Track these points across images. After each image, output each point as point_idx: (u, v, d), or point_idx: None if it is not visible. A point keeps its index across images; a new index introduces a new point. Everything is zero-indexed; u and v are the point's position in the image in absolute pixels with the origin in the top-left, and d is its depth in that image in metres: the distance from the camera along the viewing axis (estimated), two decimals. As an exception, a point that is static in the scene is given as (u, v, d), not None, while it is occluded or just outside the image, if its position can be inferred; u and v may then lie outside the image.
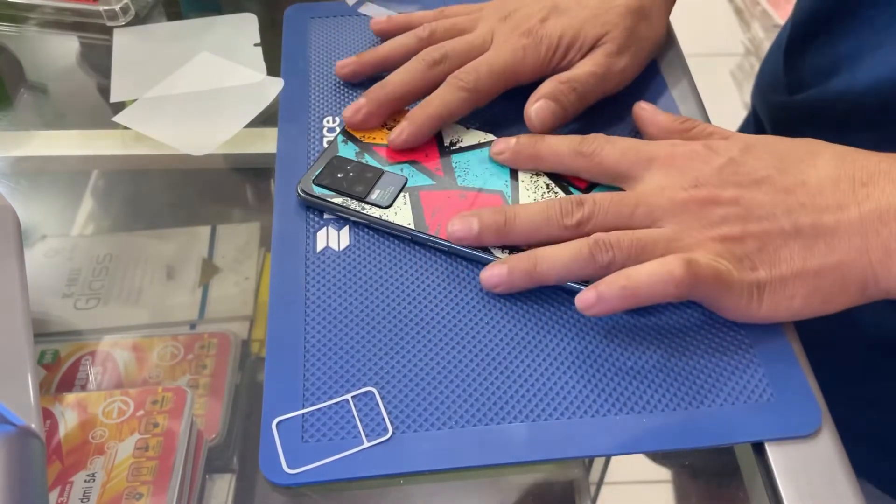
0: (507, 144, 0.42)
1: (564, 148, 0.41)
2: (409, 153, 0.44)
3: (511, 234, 0.38)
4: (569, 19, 0.46)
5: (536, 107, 0.45)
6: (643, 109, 0.44)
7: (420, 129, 0.43)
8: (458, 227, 0.39)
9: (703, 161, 0.38)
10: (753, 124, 0.64)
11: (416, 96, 0.45)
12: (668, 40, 0.53)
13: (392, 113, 0.45)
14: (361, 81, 0.49)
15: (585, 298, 0.35)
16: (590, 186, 0.42)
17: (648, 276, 0.35)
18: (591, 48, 0.46)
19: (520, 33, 0.46)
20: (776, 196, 0.36)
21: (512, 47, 0.45)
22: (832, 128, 0.49)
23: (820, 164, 0.37)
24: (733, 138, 0.40)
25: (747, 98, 1.77)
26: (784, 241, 0.36)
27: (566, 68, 0.46)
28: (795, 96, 0.54)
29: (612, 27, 0.46)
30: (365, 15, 0.54)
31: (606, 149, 0.40)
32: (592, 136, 0.41)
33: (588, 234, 0.37)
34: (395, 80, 0.45)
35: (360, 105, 0.45)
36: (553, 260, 0.37)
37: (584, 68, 0.46)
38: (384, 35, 0.51)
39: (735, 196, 0.37)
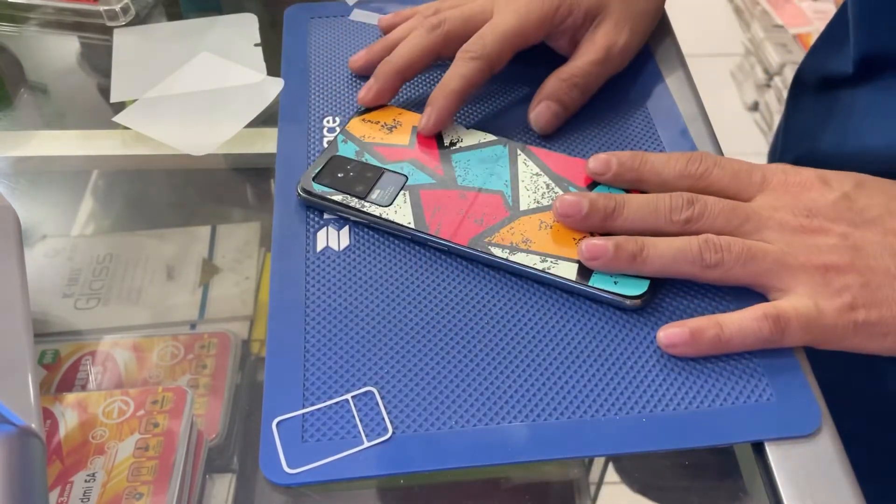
0: (608, 167, 0.41)
1: (669, 171, 0.40)
2: (408, 152, 0.44)
3: (617, 221, 0.38)
4: None
5: (537, 111, 0.46)
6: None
7: (443, 108, 0.44)
8: (566, 205, 0.39)
9: (817, 192, 0.38)
10: None
11: (422, 64, 0.46)
12: (667, 39, 0.53)
13: (400, 84, 0.46)
14: (363, 81, 0.49)
15: (677, 335, 0.36)
16: (591, 185, 0.42)
17: (740, 331, 0.35)
18: (594, 14, 0.46)
19: None
20: (886, 237, 0.36)
21: (514, 9, 0.45)
22: None
23: None
24: (841, 174, 0.39)
25: (747, 98, 1.77)
26: (888, 281, 0.35)
27: (568, 30, 0.47)
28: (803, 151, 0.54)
29: None
30: (357, 21, 0.54)
31: (716, 172, 0.39)
32: (698, 155, 0.40)
33: (693, 232, 0.37)
34: (397, 52, 0.46)
35: (370, 84, 0.46)
36: (661, 249, 0.37)
37: (585, 58, 0.46)
38: (391, 30, 0.51)
39: (845, 232, 0.37)
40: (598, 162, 0.41)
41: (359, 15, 0.54)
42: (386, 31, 0.52)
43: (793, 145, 0.57)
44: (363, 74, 0.49)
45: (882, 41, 0.47)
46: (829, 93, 0.52)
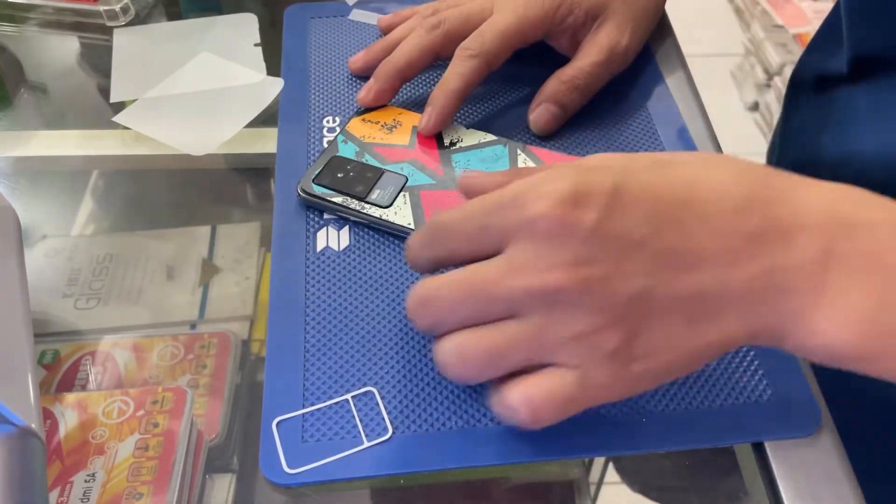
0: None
1: (412, 258, 0.34)
2: (408, 152, 0.44)
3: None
4: None
5: (537, 113, 0.46)
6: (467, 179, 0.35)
7: (444, 108, 0.44)
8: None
9: (566, 226, 0.29)
10: None
11: (421, 63, 0.46)
12: (668, 39, 0.53)
13: (400, 84, 0.46)
14: (363, 81, 0.49)
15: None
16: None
17: (508, 422, 0.32)
18: (595, 13, 0.46)
19: None
20: (653, 265, 0.29)
21: (513, 7, 0.45)
22: None
23: (702, 208, 0.30)
24: (599, 173, 0.31)
25: (747, 98, 1.77)
26: (663, 322, 0.29)
27: (569, 29, 0.46)
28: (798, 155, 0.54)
29: None
30: (356, 21, 0.54)
31: (451, 245, 0.33)
32: (431, 233, 0.33)
33: (441, 332, 0.32)
34: (397, 53, 0.46)
35: (370, 84, 0.46)
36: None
37: (587, 59, 0.46)
38: (391, 30, 0.51)
39: (605, 274, 0.29)
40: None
41: (358, 15, 0.54)
42: (385, 31, 0.52)
43: (791, 147, 0.57)
44: (363, 75, 0.49)
45: (875, 41, 0.47)
46: (826, 93, 0.52)
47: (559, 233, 0.29)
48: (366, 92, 0.46)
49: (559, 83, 0.45)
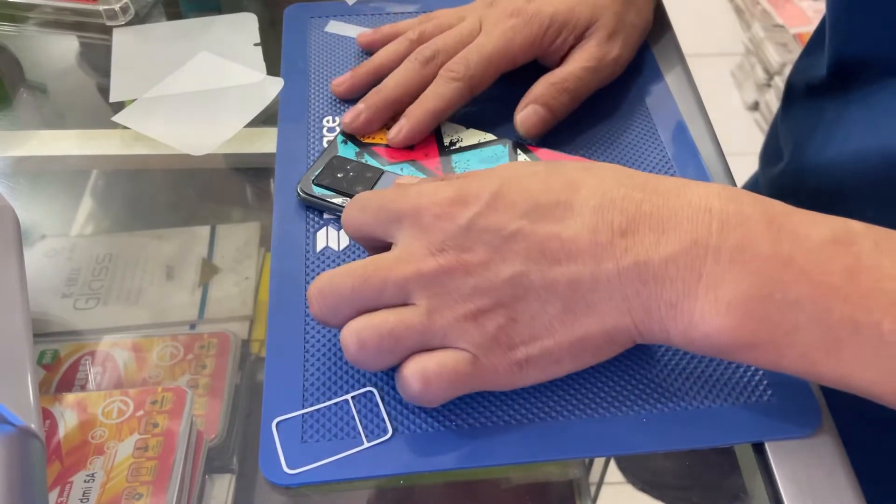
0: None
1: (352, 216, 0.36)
2: (408, 153, 0.44)
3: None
4: (558, 1, 0.46)
5: (524, 115, 0.45)
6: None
7: (418, 125, 0.43)
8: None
9: (448, 218, 0.33)
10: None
11: (413, 96, 0.45)
12: (668, 39, 0.53)
13: (390, 116, 0.45)
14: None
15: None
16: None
17: (403, 395, 0.33)
18: (584, 33, 0.46)
19: (507, 14, 0.45)
20: (529, 254, 0.32)
21: (501, 30, 0.45)
22: (831, 199, 0.49)
23: (578, 206, 0.32)
24: (485, 179, 0.34)
25: (747, 98, 1.77)
26: (541, 306, 0.32)
27: (559, 51, 0.46)
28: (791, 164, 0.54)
29: (604, 10, 0.46)
30: (334, 34, 0.53)
31: (352, 214, 0.36)
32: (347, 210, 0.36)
33: (338, 325, 0.34)
34: (391, 83, 0.45)
35: (359, 111, 0.45)
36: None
37: (577, 63, 0.46)
38: (372, 46, 0.50)
39: (484, 259, 0.32)
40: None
41: (336, 27, 0.53)
42: (365, 48, 0.51)
43: (786, 152, 0.57)
44: (346, 99, 0.48)
45: (854, 46, 0.47)
46: (815, 99, 0.52)
47: (440, 223, 0.32)
48: (353, 117, 0.45)
49: (548, 85, 0.45)
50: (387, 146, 0.44)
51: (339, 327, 0.34)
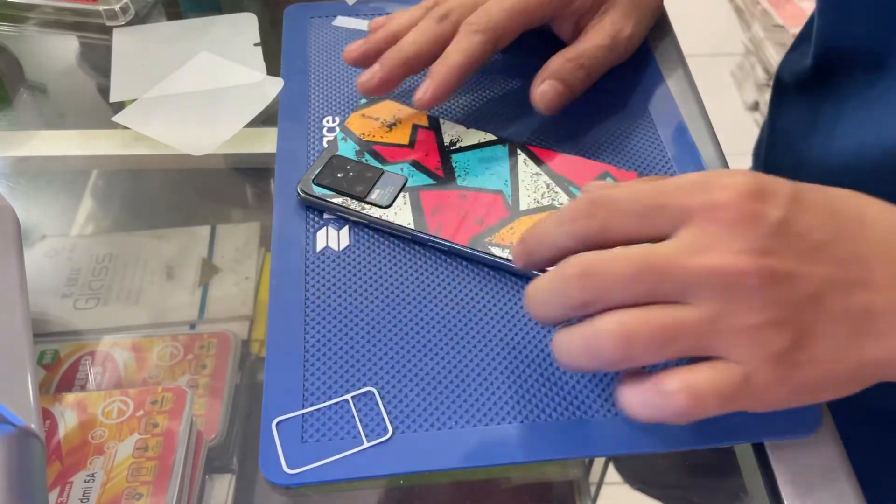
0: (516, 255, 0.34)
1: (561, 241, 0.32)
2: (409, 152, 0.44)
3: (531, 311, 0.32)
4: None
5: (542, 89, 0.44)
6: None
7: (444, 82, 0.42)
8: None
9: (751, 216, 0.29)
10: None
11: (430, 56, 0.44)
12: (668, 38, 0.53)
13: (406, 75, 0.44)
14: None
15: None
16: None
17: (646, 413, 0.30)
18: (601, 3, 0.46)
19: None
20: (834, 270, 0.29)
21: None
22: None
23: (870, 225, 0.30)
24: (777, 182, 0.30)
25: (747, 98, 1.77)
26: (832, 328, 0.29)
27: (573, 15, 0.46)
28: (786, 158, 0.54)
29: None
30: (341, 27, 0.53)
31: (616, 223, 0.31)
32: (586, 207, 0.31)
33: (599, 313, 0.30)
34: (407, 41, 0.44)
35: (374, 70, 0.43)
36: (567, 349, 0.30)
37: (592, 41, 0.45)
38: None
39: (789, 269, 0.29)
40: (518, 257, 0.34)
41: (343, 21, 0.53)
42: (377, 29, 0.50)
43: (780, 149, 0.57)
44: (359, 66, 0.46)
45: (842, 37, 0.46)
46: (804, 93, 0.52)
47: (745, 221, 0.29)
48: (369, 76, 0.43)
49: (564, 61, 0.44)
50: (387, 145, 0.44)
51: (585, 314, 0.30)
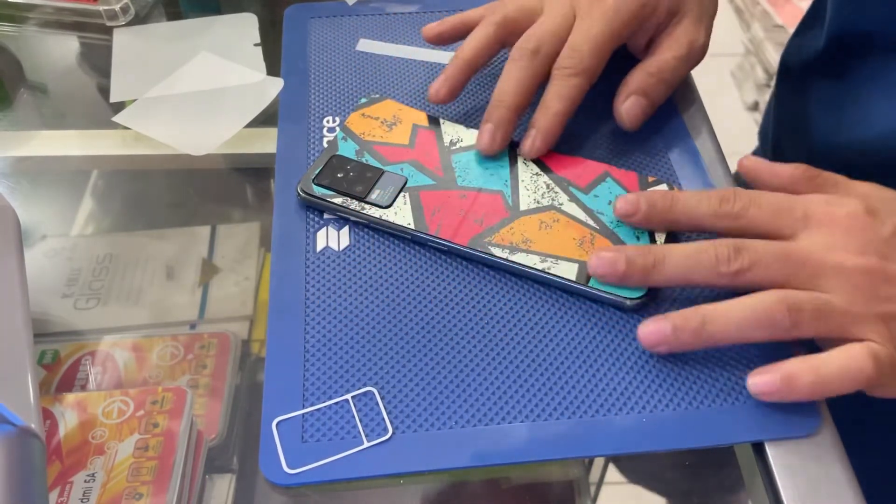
0: (637, 208, 0.39)
1: (703, 210, 0.37)
2: (409, 152, 0.44)
3: (658, 277, 0.36)
4: None
5: (627, 105, 0.44)
6: (756, 163, 0.41)
7: (549, 133, 0.42)
8: (602, 263, 0.37)
9: (867, 225, 0.36)
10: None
11: (487, 55, 0.44)
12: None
13: (471, 75, 0.44)
14: (364, 82, 0.49)
15: (767, 383, 0.34)
16: (591, 184, 0.42)
17: (840, 372, 0.33)
18: (675, 9, 0.45)
19: None
20: None
21: (601, 9, 0.43)
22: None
23: None
24: (887, 196, 0.37)
25: (747, 98, 1.77)
26: None
27: (649, 30, 0.46)
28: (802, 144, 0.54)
29: None
30: (363, 52, 0.51)
31: (753, 211, 0.37)
32: (731, 193, 0.37)
33: (745, 284, 0.35)
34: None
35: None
36: (727, 319, 0.34)
37: (670, 52, 0.45)
38: (440, 39, 0.48)
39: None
40: (626, 203, 0.39)
41: (367, 45, 0.51)
42: (433, 41, 0.48)
43: (788, 133, 0.57)
44: (435, 43, 0.47)
45: (858, 20, 0.46)
46: (814, 78, 0.52)
47: (862, 229, 0.36)
48: (439, 85, 0.44)
49: (647, 75, 0.44)
50: (387, 145, 0.44)
51: (728, 284, 0.35)
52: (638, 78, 0.45)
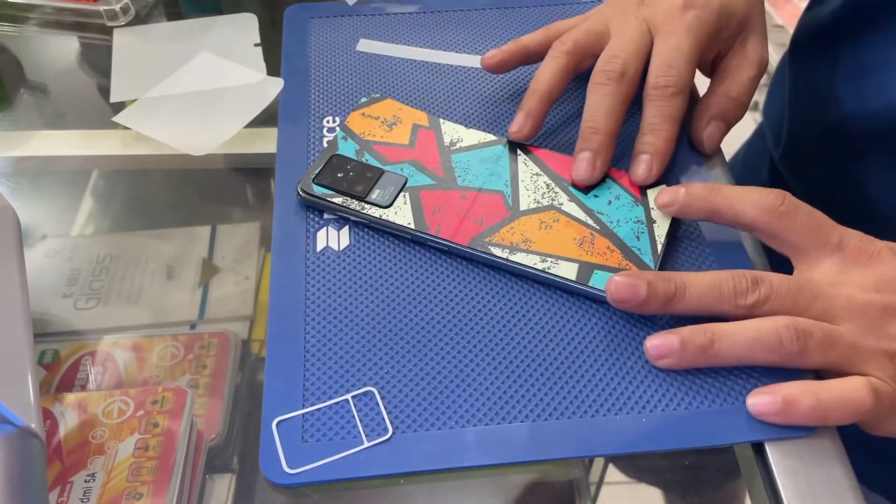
0: (676, 196, 0.39)
1: (748, 204, 0.37)
2: (409, 152, 0.44)
3: (678, 306, 0.36)
4: None
5: (710, 131, 0.44)
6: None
7: (664, 157, 0.42)
8: (622, 288, 0.36)
9: (887, 264, 0.36)
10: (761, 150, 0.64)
11: (561, 86, 0.44)
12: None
13: (549, 106, 0.44)
14: (364, 82, 0.49)
15: (766, 405, 0.34)
16: (589, 188, 0.42)
17: (840, 402, 0.33)
18: (743, 24, 0.45)
19: (681, 7, 0.43)
20: None
21: (685, 25, 0.43)
22: (846, 152, 0.49)
23: None
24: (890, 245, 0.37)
25: (747, 98, 1.77)
26: None
27: (725, 40, 0.45)
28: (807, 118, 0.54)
29: (754, 4, 0.45)
30: (363, 52, 0.51)
31: (800, 217, 0.37)
32: (780, 192, 0.37)
33: (760, 315, 0.35)
34: (538, 79, 0.43)
35: (520, 119, 0.43)
36: (734, 339, 0.35)
37: (745, 73, 0.45)
38: (500, 68, 0.47)
39: None
40: (664, 194, 0.39)
41: (366, 45, 0.51)
42: (494, 69, 0.47)
43: (803, 111, 0.56)
44: (496, 72, 0.47)
45: None
46: (829, 49, 0.52)
47: (868, 264, 0.36)
48: (519, 126, 0.43)
49: (728, 100, 0.44)
50: (387, 144, 0.44)
51: (740, 315, 0.35)
52: (719, 102, 0.44)
